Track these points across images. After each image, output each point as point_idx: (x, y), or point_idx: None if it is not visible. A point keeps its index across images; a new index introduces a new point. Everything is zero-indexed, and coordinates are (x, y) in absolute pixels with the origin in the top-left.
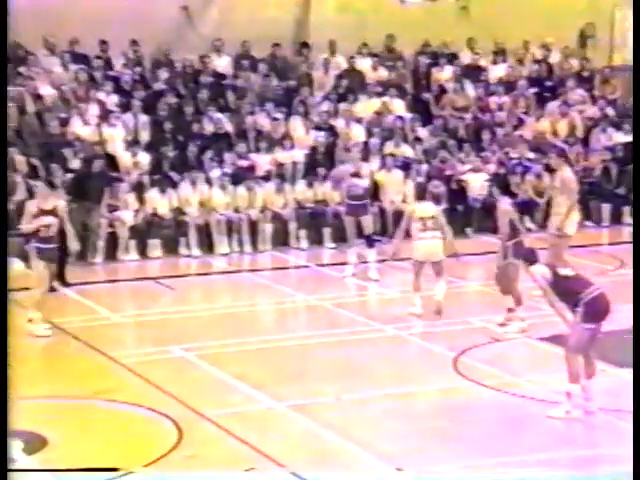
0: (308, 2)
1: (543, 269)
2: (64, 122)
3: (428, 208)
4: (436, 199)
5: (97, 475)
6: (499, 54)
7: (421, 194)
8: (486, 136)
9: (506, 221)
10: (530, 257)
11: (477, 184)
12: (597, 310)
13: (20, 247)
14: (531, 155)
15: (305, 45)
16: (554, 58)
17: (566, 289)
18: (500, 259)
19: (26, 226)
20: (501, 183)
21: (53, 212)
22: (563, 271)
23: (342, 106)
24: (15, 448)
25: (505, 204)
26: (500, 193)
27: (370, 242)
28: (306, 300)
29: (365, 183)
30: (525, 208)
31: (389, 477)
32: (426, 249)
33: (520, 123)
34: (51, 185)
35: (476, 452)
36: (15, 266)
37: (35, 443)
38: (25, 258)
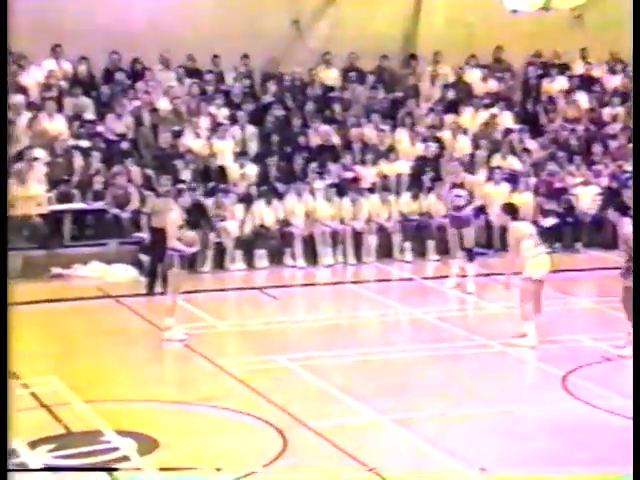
0: (417, 15)
1: None
2: (177, 135)
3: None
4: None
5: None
6: (614, 64)
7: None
8: (598, 148)
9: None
10: None
11: (587, 198)
12: None
13: (134, 255)
14: None
15: (413, 57)
16: None
17: None
18: (624, 277)
19: (175, 244)
20: (615, 199)
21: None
22: None
23: (448, 118)
24: (128, 448)
25: (629, 224)
26: (619, 214)
27: (470, 255)
28: (410, 313)
29: (466, 194)
30: None
31: None
32: (547, 265)
33: None
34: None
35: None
36: (129, 273)
37: (147, 444)
38: (138, 265)
